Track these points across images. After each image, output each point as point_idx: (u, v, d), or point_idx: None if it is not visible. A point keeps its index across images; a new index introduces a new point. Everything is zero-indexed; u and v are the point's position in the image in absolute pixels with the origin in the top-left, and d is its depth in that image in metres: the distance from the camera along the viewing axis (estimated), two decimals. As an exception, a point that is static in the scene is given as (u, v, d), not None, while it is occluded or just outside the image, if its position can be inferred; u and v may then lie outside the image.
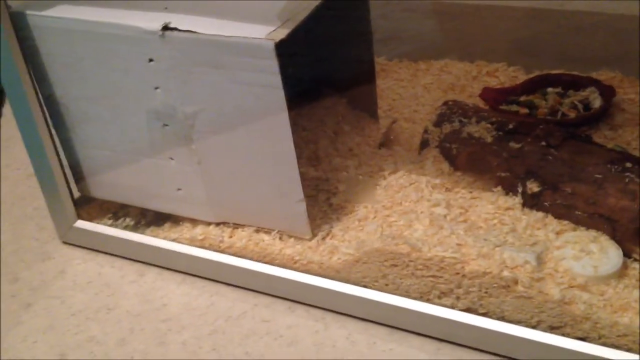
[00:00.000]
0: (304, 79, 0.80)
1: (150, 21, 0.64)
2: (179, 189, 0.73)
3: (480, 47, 1.02)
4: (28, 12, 0.68)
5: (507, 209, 0.69)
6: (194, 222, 0.75)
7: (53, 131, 0.75)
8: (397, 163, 0.78)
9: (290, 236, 0.71)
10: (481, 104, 0.87)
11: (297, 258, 0.69)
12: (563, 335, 0.59)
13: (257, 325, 0.68)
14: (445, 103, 0.78)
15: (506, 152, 0.70)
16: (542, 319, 0.59)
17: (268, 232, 0.72)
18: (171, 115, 0.68)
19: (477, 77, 0.95)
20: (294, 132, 0.64)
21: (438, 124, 0.76)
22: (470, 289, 0.62)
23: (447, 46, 1.06)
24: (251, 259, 0.70)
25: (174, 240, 0.74)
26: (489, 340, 0.61)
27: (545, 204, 0.67)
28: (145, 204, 0.77)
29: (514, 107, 0.86)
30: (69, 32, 0.68)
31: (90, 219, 0.79)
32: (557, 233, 0.65)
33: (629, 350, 0.57)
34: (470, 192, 0.72)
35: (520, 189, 0.69)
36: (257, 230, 0.72)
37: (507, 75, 0.94)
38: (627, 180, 0.62)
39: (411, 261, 0.64)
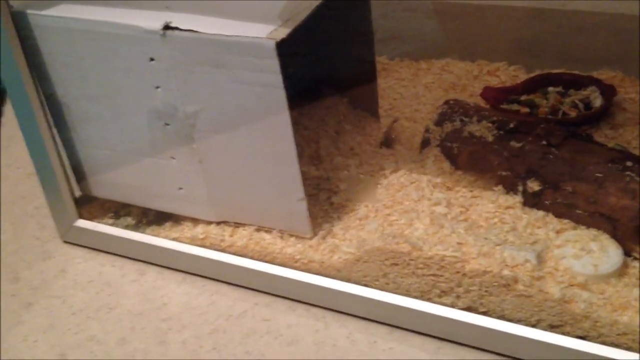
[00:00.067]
0: (305, 78, 0.80)
1: (151, 20, 0.64)
2: (180, 188, 0.73)
3: (482, 47, 1.02)
4: (29, 11, 0.69)
5: (508, 207, 0.69)
6: (195, 221, 0.75)
7: (54, 130, 0.75)
8: (398, 162, 0.78)
9: (291, 235, 0.71)
10: (482, 103, 0.87)
11: (297, 257, 0.69)
12: (563, 334, 0.59)
13: (258, 324, 0.68)
14: (447, 102, 0.78)
15: (507, 151, 0.70)
16: (542, 318, 0.59)
17: (269, 231, 0.72)
18: (172, 115, 0.68)
19: (478, 77, 0.95)
20: (295, 132, 0.64)
21: (439, 123, 0.76)
22: (470, 288, 0.62)
23: (448, 45, 1.06)
24: (252, 258, 0.71)
25: (174, 239, 0.74)
26: (489, 339, 0.61)
27: (546, 202, 0.67)
28: (146, 203, 0.77)
29: (515, 107, 0.86)
30: (70, 32, 0.68)
31: (91, 218, 0.79)
32: (558, 232, 0.65)
33: (628, 348, 0.57)
34: (471, 191, 0.72)
35: (520, 188, 0.69)
36: (258, 229, 0.72)
37: (508, 75, 0.94)
38: (627, 179, 0.62)
39: (412, 260, 0.64)
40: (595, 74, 0.88)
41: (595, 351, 0.57)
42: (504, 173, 0.70)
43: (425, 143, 0.78)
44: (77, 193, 0.80)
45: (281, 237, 0.71)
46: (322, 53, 0.81)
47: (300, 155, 0.65)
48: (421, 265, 0.64)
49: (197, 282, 0.73)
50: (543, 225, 0.66)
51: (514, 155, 0.69)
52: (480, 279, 0.62)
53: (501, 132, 0.71)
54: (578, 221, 0.65)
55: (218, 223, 0.74)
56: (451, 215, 0.69)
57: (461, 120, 0.74)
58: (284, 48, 0.60)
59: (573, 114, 0.82)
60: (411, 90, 0.93)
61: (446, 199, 0.70)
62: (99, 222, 0.78)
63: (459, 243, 0.65)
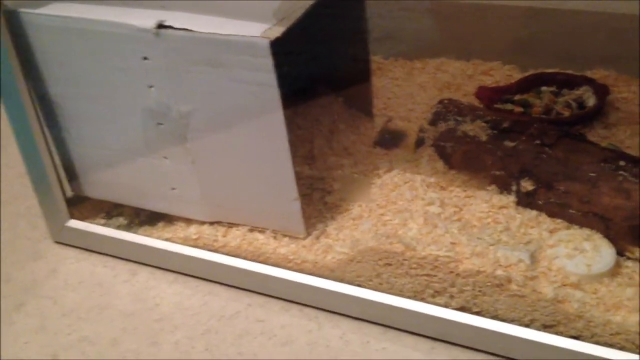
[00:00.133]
0: (299, 78, 0.80)
1: (144, 19, 0.64)
2: (173, 188, 0.73)
3: (476, 46, 1.02)
4: (22, 10, 0.68)
5: (501, 207, 0.69)
6: (188, 221, 0.75)
7: (46, 130, 0.75)
8: (392, 162, 0.78)
9: (285, 235, 0.71)
10: (476, 102, 0.87)
11: (291, 257, 0.68)
12: (556, 333, 0.59)
13: (251, 325, 0.67)
14: (441, 102, 0.78)
15: (501, 151, 0.70)
16: (535, 318, 0.59)
17: (262, 231, 0.71)
18: (165, 114, 0.68)
19: (473, 76, 0.94)
20: (288, 131, 0.64)
21: (433, 122, 0.76)
22: (464, 288, 0.62)
23: (442, 45, 1.06)
24: (245, 258, 0.70)
25: (167, 239, 0.74)
26: (483, 339, 0.61)
27: (539, 202, 0.67)
28: (138, 204, 0.77)
29: (509, 106, 0.86)
30: (63, 30, 0.68)
31: (83, 218, 0.79)
32: (551, 231, 0.65)
33: (621, 348, 0.57)
34: (465, 191, 0.72)
35: (514, 188, 0.69)
36: (251, 230, 0.72)
37: (502, 74, 0.94)
38: (620, 178, 0.62)
39: (405, 260, 0.64)
40: (588, 74, 0.88)
41: (589, 351, 0.57)
42: (497, 173, 0.70)
43: (419, 142, 0.78)
44: (69, 193, 0.79)
45: (274, 237, 0.71)
46: (316, 52, 0.81)
47: (294, 155, 0.65)
48: (415, 265, 0.64)
49: (190, 283, 0.73)
50: (536, 225, 0.66)
51: (507, 154, 0.69)
52: (473, 279, 0.61)
53: (495, 131, 0.71)
54: (571, 221, 0.66)
55: (211, 223, 0.74)
56: (445, 215, 0.68)
57: (455, 120, 0.74)
58: (278, 47, 0.60)
59: (566, 113, 0.83)
60: (405, 89, 0.93)
61: (440, 199, 0.70)
62: (91, 223, 0.78)
63: (452, 243, 0.65)
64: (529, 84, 0.89)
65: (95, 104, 0.71)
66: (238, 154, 0.67)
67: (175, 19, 0.63)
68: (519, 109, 0.84)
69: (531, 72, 0.92)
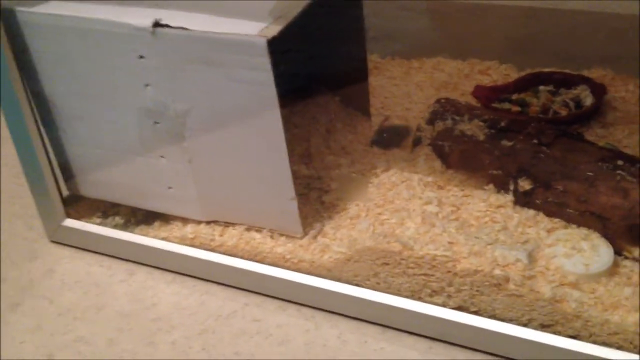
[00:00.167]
0: (296, 77, 0.80)
1: (141, 18, 0.64)
2: (169, 188, 0.73)
3: (473, 45, 1.02)
4: (17, 8, 0.68)
5: (499, 206, 0.69)
6: (185, 220, 0.75)
7: (42, 129, 0.74)
8: (390, 161, 0.78)
9: (282, 234, 0.70)
10: (473, 101, 0.86)
11: (288, 256, 0.68)
12: (554, 333, 0.58)
13: (248, 325, 0.67)
14: (438, 101, 0.78)
15: (498, 150, 0.70)
16: (533, 317, 0.59)
17: (259, 230, 0.71)
18: (162, 113, 0.68)
19: (470, 75, 0.94)
20: (285, 130, 0.63)
21: (430, 121, 0.76)
22: (461, 287, 0.62)
23: (439, 44, 1.06)
24: (242, 257, 0.70)
25: (164, 239, 0.74)
26: (481, 339, 0.61)
27: (537, 201, 0.67)
28: (135, 203, 0.77)
29: (506, 105, 0.86)
30: (59, 29, 0.67)
31: (79, 217, 0.78)
32: (549, 231, 0.65)
33: (619, 348, 0.57)
34: (462, 190, 0.72)
35: (512, 187, 0.69)
36: (248, 229, 0.72)
37: (499, 73, 0.94)
38: (618, 178, 0.62)
39: (403, 259, 0.64)
40: (585, 73, 0.88)
41: (587, 351, 0.57)
42: (495, 172, 0.70)
43: (416, 142, 0.78)
44: (65, 192, 0.79)
45: (271, 237, 0.70)
46: (313, 51, 0.81)
47: (291, 154, 0.65)
48: (412, 265, 0.64)
49: (187, 282, 0.73)
50: (534, 224, 0.66)
51: (505, 154, 0.69)
52: (471, 278, 0.61)
53: (492, 131, 0.71)
54: (569, 220, 0.65)
55: (208, 222, 0.73)
56: (442, 214, 0.68)
57: (452, 119, 0.74)
58: (275, 46, 0.60)
59: (564, 112, 0.83)
60: (403, 88, 0.93)
61: (437, 198, 0.70)
62: (87, 222, 0.78)
63: (450, 242, 0.64)
64: (526, 83, 0.89)
65: (91, 102, 0.71)
66: (235, 153, 0.67)
67: (172, 17, 0.63)
68: (516, 108, 0.84)
69: (528, 71, 0.92)
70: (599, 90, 0.84)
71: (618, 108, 0.83)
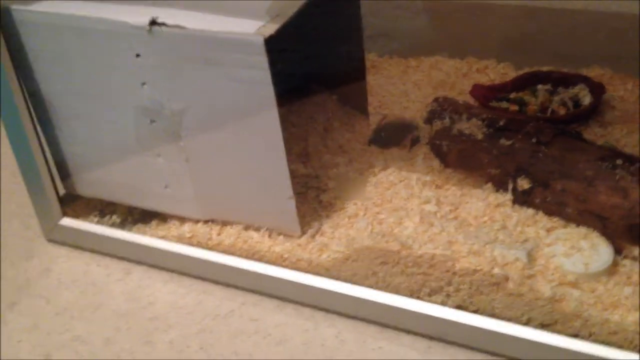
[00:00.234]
0: (293, 75, 0.79)
1: (137, 16, 0.63)
2: (166, 187, 0.72)
3: (471, 44, 1.02)
4: (14, 7, 0.68)
5: (498, 206, 0.69)
6: (182, 219, 0.74)
7: (38, 128, 0.74)
8: (387, 160, 0.77)
9: (280, 233, 0.70)
10: (471, 101, 0.86)
11: (286, 256, 0.68)
12: (554, 332, 0.58)
13: (246, 324, 0.67)
14: (436, 100, 0.78)
15: (496, 149, 0.69)
16: (532, 317, 0.59)
17: (257, 229, 0.71)
18: (158, 112, 0.67)
19: (468, 74, 0.94)
20: (283, 129, 0.63)
21: (428, 121, 0.76)
22: (460, 287, 0.61)
23: (437, 43, 1.06)
24: (240, 256, 0.70)
25: (161, 238, 0.74)
26: (480, 338, 0.61)
27: (536, 201, 0.67)
28: (132, 202, 0.76)
29: (504, 104, 0.85)
30: (55, 28, 0.67)
31: (76, 216, 0.78)
32: (548, 230, 0.65)
33: (619, 347, 0.56)
34: (461, 190, 0.71)
35: (510, 186, 0.69)
36: (246, 228, 0.71)
37: (497, 72, 0.94)
38: (617, 177, 0.62)
39: (401, 259, 0.64)
40: (584, 72, 0.88)
41: (587, 350, 0.57)
42: (493, 171, 0.70)
43: (414, 141, 0.77)
44: (62, 191, 0.78)
45: (269, 236, 0.70)
46: (311, 50, 0.81)
47: (289, 153, 0.65)
48: (411, 264, 0.63)
49: (184, 281, 0.73)
50: (533, 224, 0.66)
51: (503, 153, 0.69)
52: (470, 277, 0.61)
53: (491, 130, 0.71)
54: (568, 219, 0.65)
55: (205, 221, 0.73)
56: (441, 213, 0.68)
57: (450, 118, 0.74)
58: (272, 44, 0.59)
59: (562, 111, 0.82)
60: (400, 87, 0.93)
61: (436, 197, 0.70)
62: (84, 221, 0.77)
63: (448, 241, 0.64)
64: (525, 82, 0.89)
65: (87, 101, 0.70)
66: (232, 152, 0.67)
67: (168, 16, 0.63)
68: (514, 108, 0.84)
69: (526, 70, 0.91)
70: (597, 89, 0.84)
71: (616, 107, 0.83)
